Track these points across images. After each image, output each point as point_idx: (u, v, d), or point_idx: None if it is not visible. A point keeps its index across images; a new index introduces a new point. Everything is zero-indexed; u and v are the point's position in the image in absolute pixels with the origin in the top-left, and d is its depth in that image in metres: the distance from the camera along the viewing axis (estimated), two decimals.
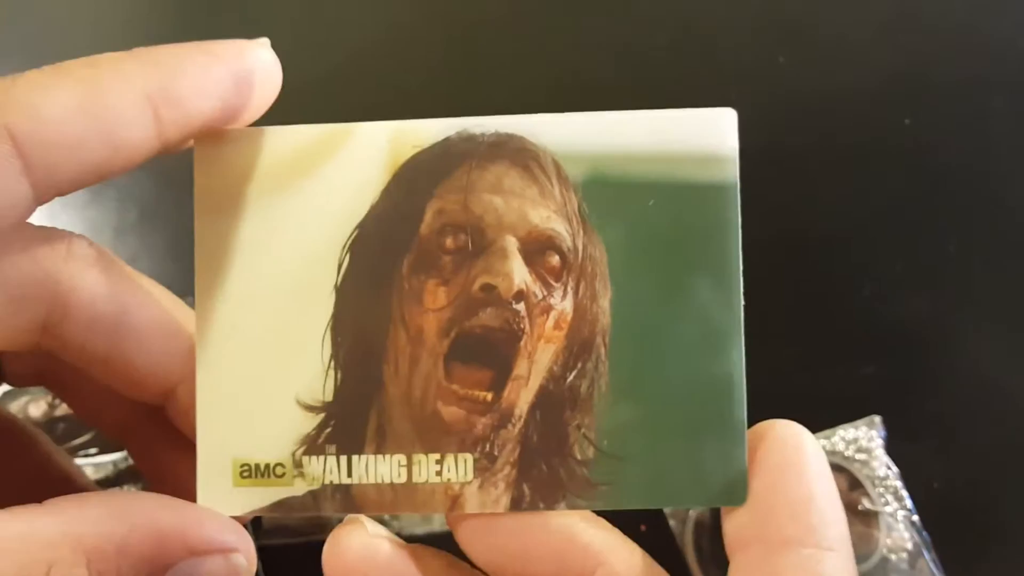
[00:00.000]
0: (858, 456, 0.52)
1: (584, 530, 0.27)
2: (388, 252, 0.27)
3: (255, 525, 0.49)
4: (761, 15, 0.61)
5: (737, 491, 0.27)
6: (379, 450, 0.27)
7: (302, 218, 0.27)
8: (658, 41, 0.60)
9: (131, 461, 0.49)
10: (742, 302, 0.27)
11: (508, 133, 0.27)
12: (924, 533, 0.51)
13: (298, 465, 0.27)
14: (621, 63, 0.59)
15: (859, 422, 0.53)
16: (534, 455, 0.27)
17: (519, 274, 0.27)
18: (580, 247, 0.27)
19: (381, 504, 0.27)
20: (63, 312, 0.26)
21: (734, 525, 0.26)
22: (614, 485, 0.27)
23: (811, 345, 0.55)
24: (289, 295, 0.27)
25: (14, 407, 0.49)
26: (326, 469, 0.27)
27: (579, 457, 0.27)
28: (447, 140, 0.27)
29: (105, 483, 0.49)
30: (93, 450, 0.49)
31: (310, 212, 0.27)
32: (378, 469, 0.27)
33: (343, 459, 0.27)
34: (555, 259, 0.27)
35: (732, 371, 0.27)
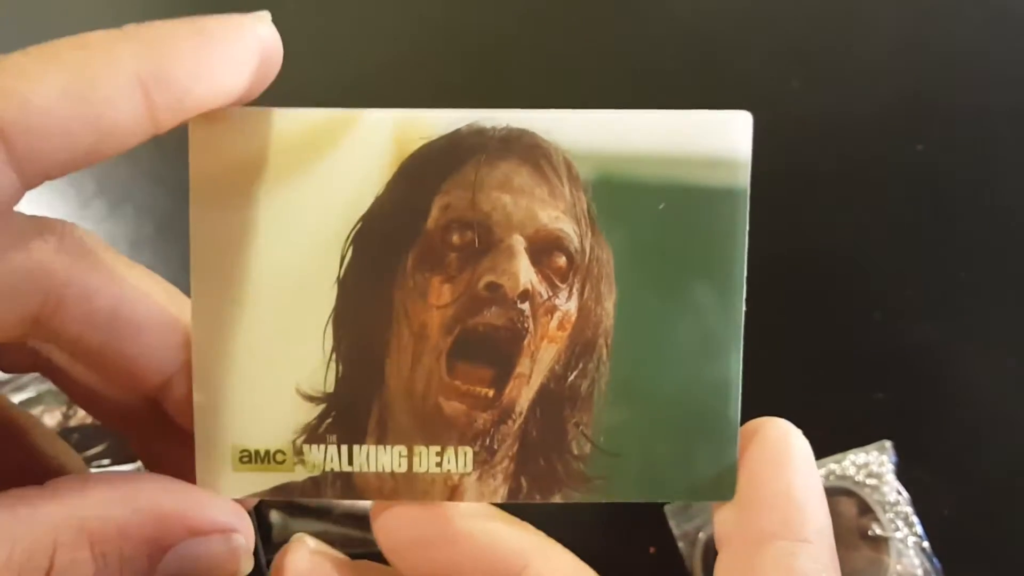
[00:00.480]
0: (868, 481, 0.52)
1: (509, 532, 0.27)
2: (392, 246, 0.27)
3: (265, 539, 0.49)
4: (775, 39, 0.61)
5: (726, 486, 0.27)
6: (380, 441, 0.27)
7: (304, 207, 0.26)
8: (671, 64, 0.60)
9: (143, 472, 0.49)
10: (743, 308, 0.27)
11: (520, 128, 0.26)
12: (935, 560, 0.50)
13: (298, 452, 0.27)
14: (634, 86, 0.60)
15: (870, 447, 0.53)
16: (533, 450, 0.27)
17: (525, 274, 0.27)
18: (587, 249, 0.27)
19: (381, 491, 0.27)
20: (56, 305, 0.25)
21: (721, 520, 0.27)
22: (609, 479, 0.27)
23: (822, 369, 0.55)
24: (290, 286, 0.27)
25: None
26: (327, 457, 0.27)
27: (576, 452, 0.27)
28: (456, 133, 0.26)
29: None
30: (106, 461, 0.50)
31: (312, 201, 0.26)
32: (379, 458, 0.27)
33: (344, 448, 0.27)
34: (562, 260, 0.27)
35: (729, 375, 0.27)
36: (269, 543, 0.49)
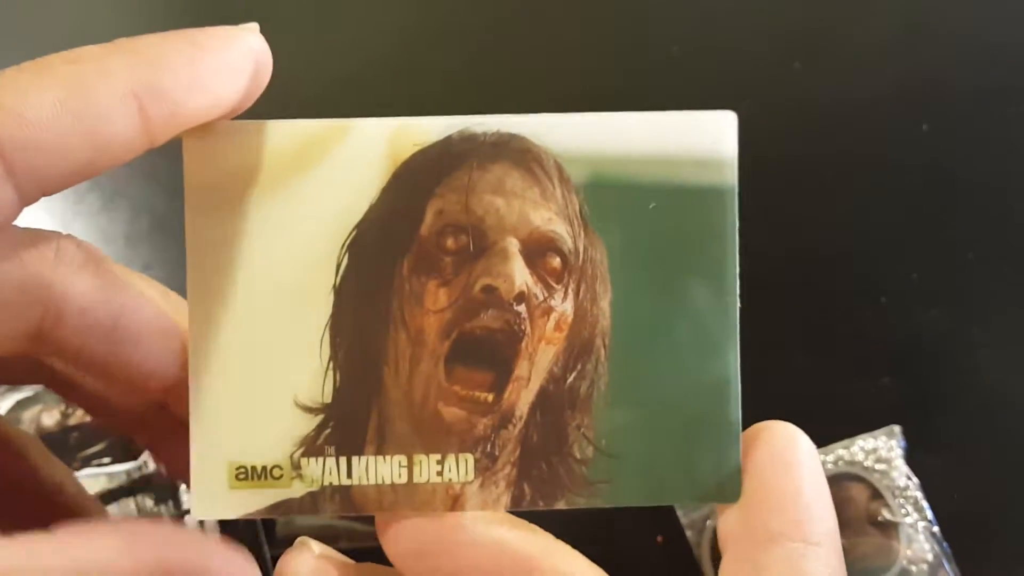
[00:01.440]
0: (878, 466, 0.51)
1: (515, 536, 0.27)
2: (388, 252, 0.27)
3: (268, 535, 0.49)
4: (777, 21, 0.60)
5: (730, 489, 0.27)
6: (379, 451, 0.27)
7: (299, 216, 0.26)
8: (673, 47, 0.60)
9: (144, 471, 0.49)
10: (738, 305, 0.27)
11: (510, 133, 0.27)
12: (944, 544, 0.50)
13: (296, 467, 0.27)
14: (635, 70, 0.60)
15: (878, 432, 0.52)
16: (534, 454, 0.27)
17: (520, 276, 0.26)
18: (581, 249, 0.27)
19: (381, 504, 0.27)
20: (56, 318, 0.26)
21: (725, 521, 0.27)
22: (612, 483, 0.27)
23: (829, 355, 0.55)
24: (286, 295, 0.26)
25: (27, 416, 0.49)
26: (325, 470, 0.27)
27: (578, 456, 0.27)
28: (448, 139, 0.26)
29: (118, 492, 0.49)
30: (107, 459, 0.49)
31: (307, 210, 0.26)
32: (378, 470, 0.27)
33: (343, 460, 0.27)
34: (556, 261, 0.27)
35: (727, 373, 0.27)
36: (273, 538, 0.49)
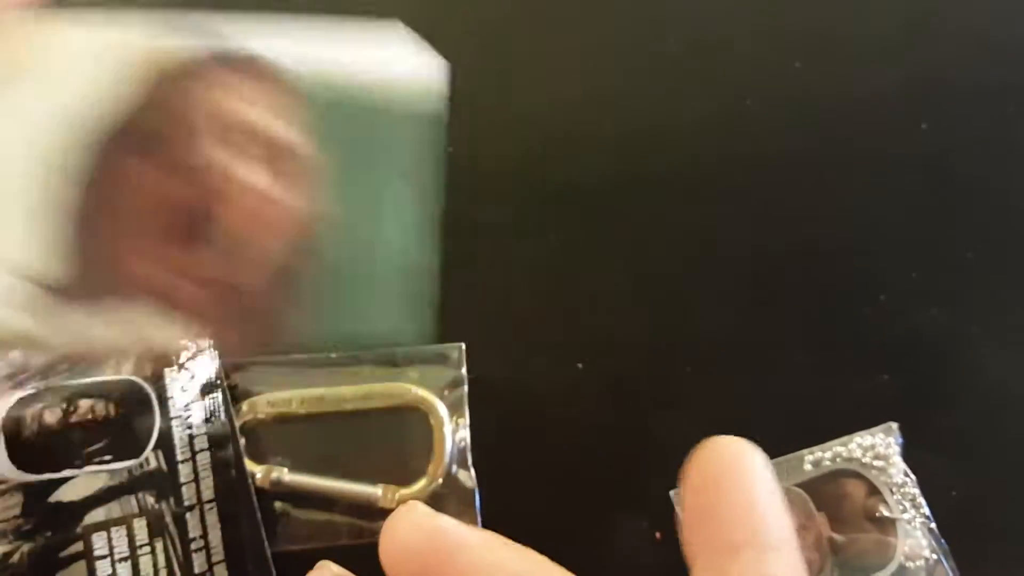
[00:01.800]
0: (875, 463, 0.51)
1: (511, 557, 0.27)
2: (119, 141, 0.28)
3: (269, 534, 0.49)
4: (777, 20, 0.60)
5: (418, 333, 0.29)
6: (94, 314, 0.28)
7: (36, 108, 0.27)
8: (673, 46, 0.60)
9: (146, 468, 0.49)
10: (435, 205, 0.29)
11: (238, 38, 0.28)
12: (942, 541, 0.50)
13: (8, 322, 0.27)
14: (635, 70, 0.59)
15: (876, 429, 0.52)
16: (246, 314, 0.29)
17: (236, 163, 0.28)
18: (300, 146, 0.28)
19: (79, 345, 0.28)
20: None
21: (688, 536, 0.28)
22: (315, 336, 0.29)
23: (828, 352, 0.54)
24: (14, 175, 0.27)
25: (29, 413, 0.49)
26: (29, 325, 0.28)
27: (292, 321, 0.29)
28: (179, 40, 0.28)
29: (120, 490, 0.49)
30: (108, 457, 0.49)
31: (44, 102, 0.27)
32: (87, 323, 0.28)
33: (51, 317, 0.28)
34: (276, 155, 0.28)
35: (426, 260, 0.29)
36: (275, 536, 0.49)
